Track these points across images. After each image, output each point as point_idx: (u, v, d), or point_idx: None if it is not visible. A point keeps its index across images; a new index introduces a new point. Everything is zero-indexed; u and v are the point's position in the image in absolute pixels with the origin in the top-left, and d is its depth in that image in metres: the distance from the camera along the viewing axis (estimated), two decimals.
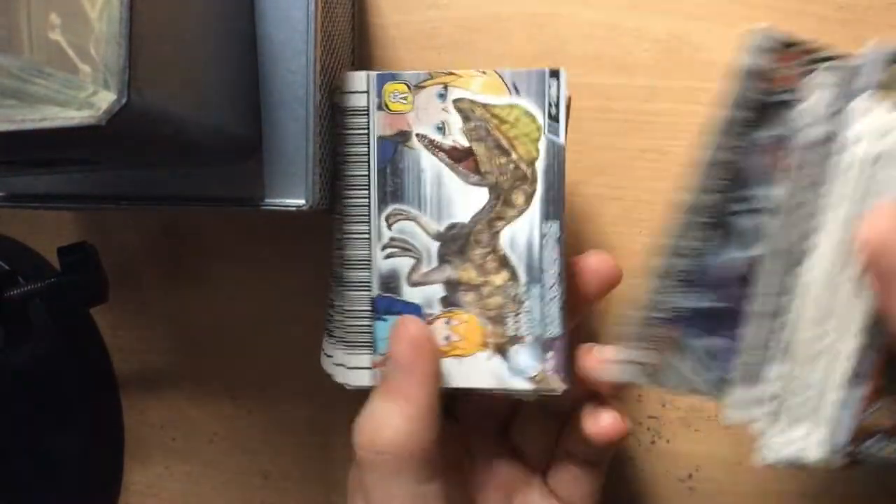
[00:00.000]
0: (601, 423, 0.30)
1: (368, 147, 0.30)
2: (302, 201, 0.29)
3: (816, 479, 0.36)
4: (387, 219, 0.30)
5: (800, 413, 0.27)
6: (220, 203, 0.29)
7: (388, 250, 0.30)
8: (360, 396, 0.39)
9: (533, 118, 0.30)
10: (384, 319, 0.31)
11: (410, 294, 0.30)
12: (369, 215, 0.30)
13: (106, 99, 0.19)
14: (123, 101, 0.19)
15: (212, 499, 0.40)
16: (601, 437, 0.30)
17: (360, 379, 0.31)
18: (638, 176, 0.36)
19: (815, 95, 0.27)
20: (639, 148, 0.36)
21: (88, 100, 0.20)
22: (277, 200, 0.29)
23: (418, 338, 0.29)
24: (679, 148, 0.36)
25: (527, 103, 0.30)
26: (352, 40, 0.36)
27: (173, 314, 0.40)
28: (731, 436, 0.37)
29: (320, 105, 0.29)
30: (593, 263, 0.31)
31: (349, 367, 0.31)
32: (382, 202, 0.30)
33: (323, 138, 0.30)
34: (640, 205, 0.36)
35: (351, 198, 0.31)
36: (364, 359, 0.31)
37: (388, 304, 0.31)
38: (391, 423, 0.28)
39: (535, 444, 0.33)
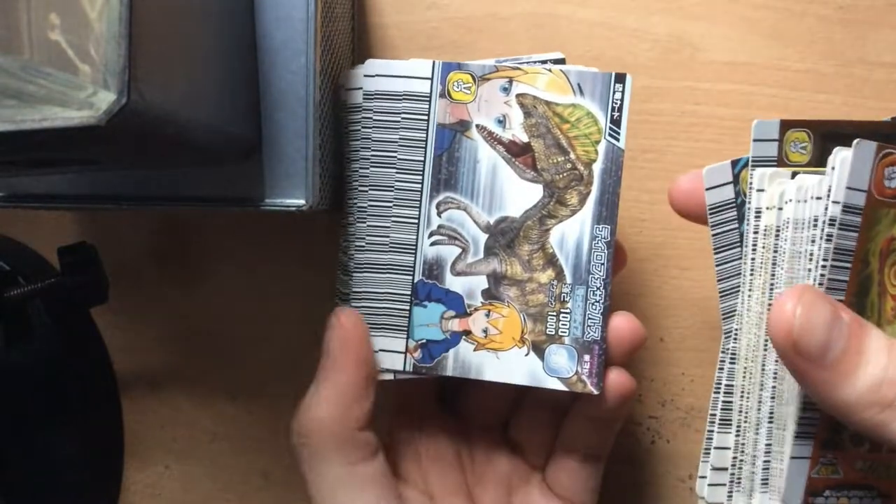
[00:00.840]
0: (608, 380, 0.30)
1: (427, 133, 0.30)
2: (302, 201, 0.29)
3: None
4: (437, 206, 0.30)
5: (755, 482, 0.27)
6: (220, 203, 0.29)
7: (436, 237, 0.30)
8: None
9: (595, 120, 0.30)
10: (424, 306, 0.31)
11: (452, 283, 0.31)
12: (420, 200, 0.30)
13: (106, 99, 0.19)
14: (123, 101, 0.19)
15: (212, 499, 0.40)
16: (610, 395, 0.30)
17: (392, 362, 0.31)
18: (638, 176, 0.36)
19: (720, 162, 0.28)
20: (639, 148, 0.36)
21: (88, 100, 0.20)
22: (277, 200, 0.29)
23: (347, 327, 0.29)
24: (679, 148, 0.36)
25: (590, 105, 0.30)
26: (352, 40, 0.36)
27: (173, 314, 0.40)
28: None
29: (320, 105, 0.29)
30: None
31: (377, 351, 0.31)
32: (435, 189, 0.30)
33: (323, 138, 0.30)
34: (640, 205, 0.36)
35: (403, 182, 0.31)
36: (398, 342, 0.31)
37: (430, 290, 0.31)
38: (315, 407, 0.29)
39: (534, 440, 0.33)
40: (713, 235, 0.28)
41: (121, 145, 0.23)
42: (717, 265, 0.28)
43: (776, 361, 0.26)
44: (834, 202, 0.25)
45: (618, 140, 0.30)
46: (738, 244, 0.28)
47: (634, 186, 0.36)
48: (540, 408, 0.33)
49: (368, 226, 0.31)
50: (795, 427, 0.26)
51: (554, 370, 0.30)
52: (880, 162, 0.25)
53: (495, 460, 0.33)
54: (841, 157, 0.25)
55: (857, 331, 0.23)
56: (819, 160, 0.26)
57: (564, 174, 0.30)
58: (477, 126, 0.30)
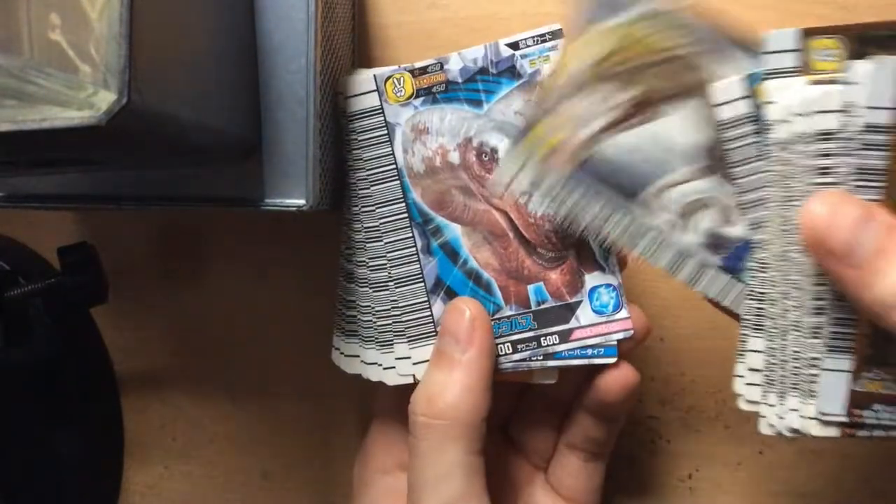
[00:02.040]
0: (611, 374, 0.30)
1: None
2: (302, 201, 0.29)
3: (814, 479, 0.36)
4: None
5: (787, 385, 0.27)
6: (220, 203, 0.29)
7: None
8: (360, 397, 0.39)
9: None
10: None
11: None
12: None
13: (106, 99, 0.19)
14: (123, 101, 0.19)
15: (212, 499, 0.40)
16: (614, 388, 0.30)
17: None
18: None
19: (729, 78, 0.27)
20: None
21: (88, 100, 0.20)
22: (277, 200, 0.29)
23: (476, 314, 0.29)
24: None
25: None
26: (352, 41, 0.36)
27: (173, 314, 0.40)
28: (732, 436, 0.37)
29: (320, 106, 0.29)
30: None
31: (416, 363, 0.31)
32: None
33: (323, 138, 0.30)
34: None
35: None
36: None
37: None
38: (451, 391, 0.28)
39: (536, 439, 0.33)
40: (727, 151, 0.27)
41: (121, 145, 0.23)
42: (736, 179, 0.28)
43: (798, 272, 0.26)
44: (855, 117, 0.24)
45: None
46: (761, 157, 0.27)
47: None
48: (540, 406, 0.33)
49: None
50: (828, 340, 0.26)
51: None
52: None
53: (497, 461, 0.33)
54: (862, 71, 0.24)
55: (894, 232, 0.23)
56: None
57: None
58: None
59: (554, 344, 0.30)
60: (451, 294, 0.31)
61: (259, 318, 0.39)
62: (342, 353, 0.32)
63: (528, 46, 0.30)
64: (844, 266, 0.23)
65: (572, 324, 0.30)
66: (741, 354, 0.28)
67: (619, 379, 0.30)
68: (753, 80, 0.27)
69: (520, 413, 0.34)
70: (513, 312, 0.30)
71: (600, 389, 0.30)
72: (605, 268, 0.30)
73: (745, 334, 0.28)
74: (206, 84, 0.25)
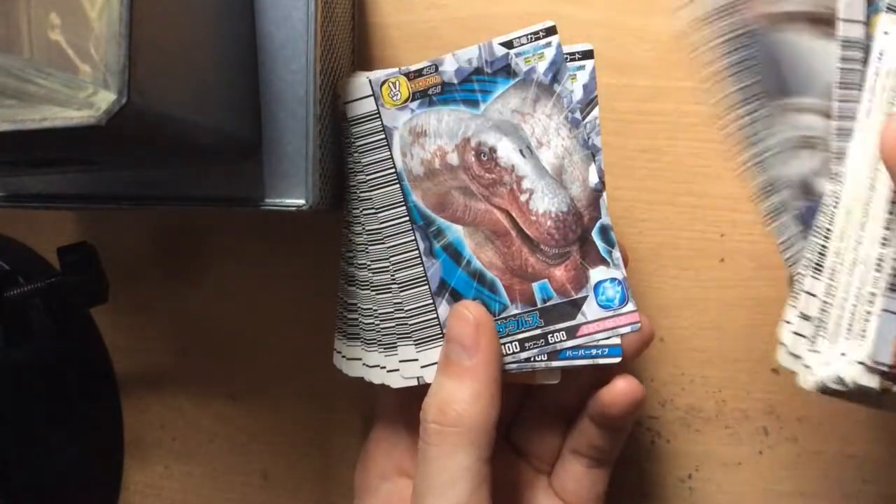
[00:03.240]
0: (616, 387, 0.30)
1: None
2: (302, 201, 0.29)
3: (814, 479, 0.36)
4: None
5: (841, 327, 0.26)
6: (220, 203, 0.29)
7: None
8: (361, 398, 0.39)
9: None
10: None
11: None
12: None
13: (106, 99, 0.19)
14: (123, 101, 0.19)
15: (212, 499, 0.40)
16: (618, 402, 0.30)
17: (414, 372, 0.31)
18: (638, 176, 0.36)
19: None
20: (639, 148, 0.36)
21: (88, 100, 0.20)
22: (277, 200, 0.29)
23: (480, 319, 0.29)
24: (679, 148, 0.36)
25: None
26: (352, 40, 0.36)
27: (173, 314, 0.40)
28: (732, 436, 0.37)
29: (320, 106, 0.29)
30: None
31: (425, 366, 0.31)
32: None
33: (323, 138, 0.30)
34: (640, 205, 0.36)
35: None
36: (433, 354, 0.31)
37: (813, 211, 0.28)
38: (462, 398, 0.28)
39: (539, 445, 0.33)
40: (840, 69, 0.27)
41: (121, 145, 0.23)
42: (839, 101, 0.27)
43: (879, 200, 0.26)
44: None
45: None
46: (860, 86, 0.27)
47: (635, 186, 0.36)
48: (542, 410, 0.33)
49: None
50: (890, 278, 0.24)
51: None
52: None
53: (500, 465, 0.33)
54: None
55: None
56: None
57: None
58: None
59: (561, 340, 0.30)
60: (455, 295, 0.31)
61: (259, 317, 0.39)
62: (344, 357, 0.32)
63: (523, 45, 0.30)
64: None
65: (579, 319, 0.30)
66: (795, 297, 0.27)
67: (624, 392, 0.30)
68: (872, 9, 0.26)
69: (522, 417, 0.34)
70: (519, 311, 0.30)
71: (605, 402, 0.30)
72: (609, 262, 0.30)
73: (801, 276, 0.27)
74: (206, 84, 0.25)
